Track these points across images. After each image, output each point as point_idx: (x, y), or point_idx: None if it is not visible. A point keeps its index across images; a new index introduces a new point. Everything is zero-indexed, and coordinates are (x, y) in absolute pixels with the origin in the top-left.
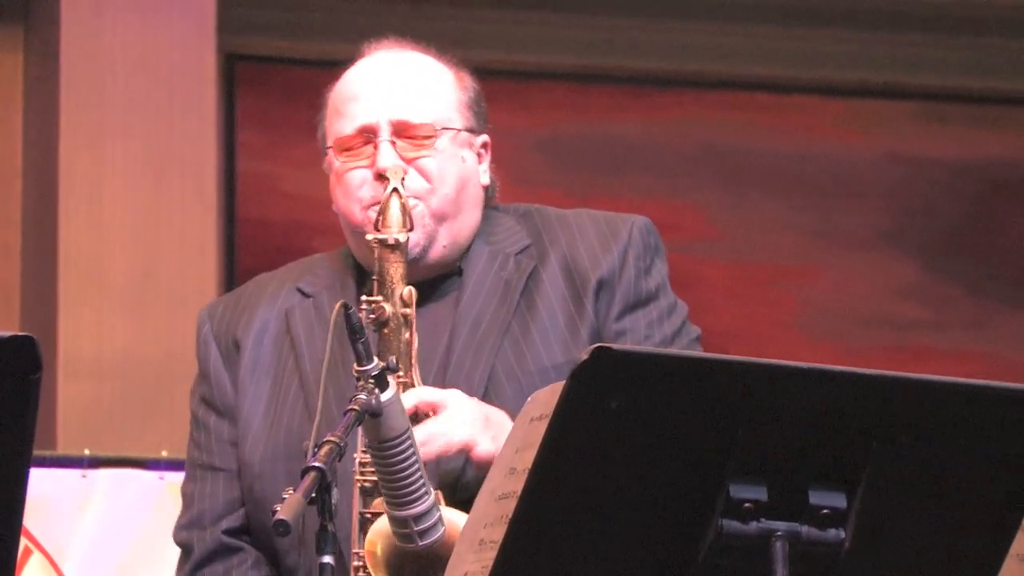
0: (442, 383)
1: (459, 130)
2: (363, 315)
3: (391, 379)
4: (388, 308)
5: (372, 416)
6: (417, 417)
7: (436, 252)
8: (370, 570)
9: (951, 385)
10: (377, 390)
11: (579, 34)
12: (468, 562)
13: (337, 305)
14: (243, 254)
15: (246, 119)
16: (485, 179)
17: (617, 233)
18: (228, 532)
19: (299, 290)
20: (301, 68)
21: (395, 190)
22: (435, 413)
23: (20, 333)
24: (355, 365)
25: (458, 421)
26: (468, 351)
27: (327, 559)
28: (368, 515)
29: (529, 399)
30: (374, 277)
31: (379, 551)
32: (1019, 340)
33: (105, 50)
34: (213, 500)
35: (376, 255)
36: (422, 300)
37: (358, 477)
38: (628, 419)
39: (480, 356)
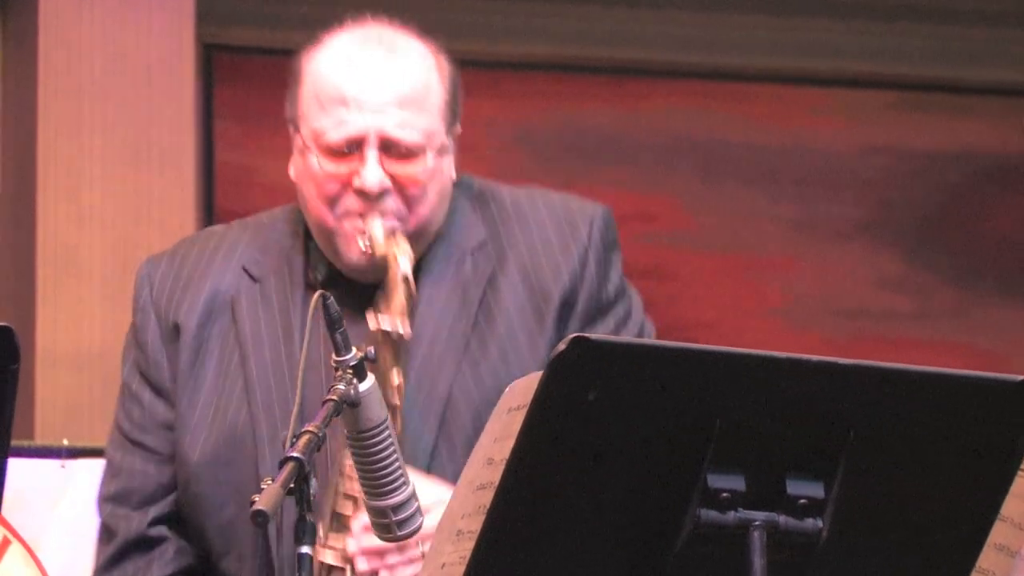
0: (397, 411)
1: (444, 140)
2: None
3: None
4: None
5: (350, 406)
6: None
7: (412, 261)
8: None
9: (928, 375)
10: (355, 380)
11: (555, 24)
12: (446, 553)
13: (316, 295)
14: None
15: (224, 109)
16: (454, 174)
17: (576, 231)
18: (154, 521)
19: (245, 270)
20: (280, 59)
21: (405, 278)
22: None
23: None
24: (333, 355)
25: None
26: (426, 376)
27: (306, 549)
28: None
29: (508, 389)
30: (371, 360)
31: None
32: (1000, 330)
33: (83, 40)
34: (144, 479)
35: (377, 339)
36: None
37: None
38: (606, 409)
39: (438, 381)
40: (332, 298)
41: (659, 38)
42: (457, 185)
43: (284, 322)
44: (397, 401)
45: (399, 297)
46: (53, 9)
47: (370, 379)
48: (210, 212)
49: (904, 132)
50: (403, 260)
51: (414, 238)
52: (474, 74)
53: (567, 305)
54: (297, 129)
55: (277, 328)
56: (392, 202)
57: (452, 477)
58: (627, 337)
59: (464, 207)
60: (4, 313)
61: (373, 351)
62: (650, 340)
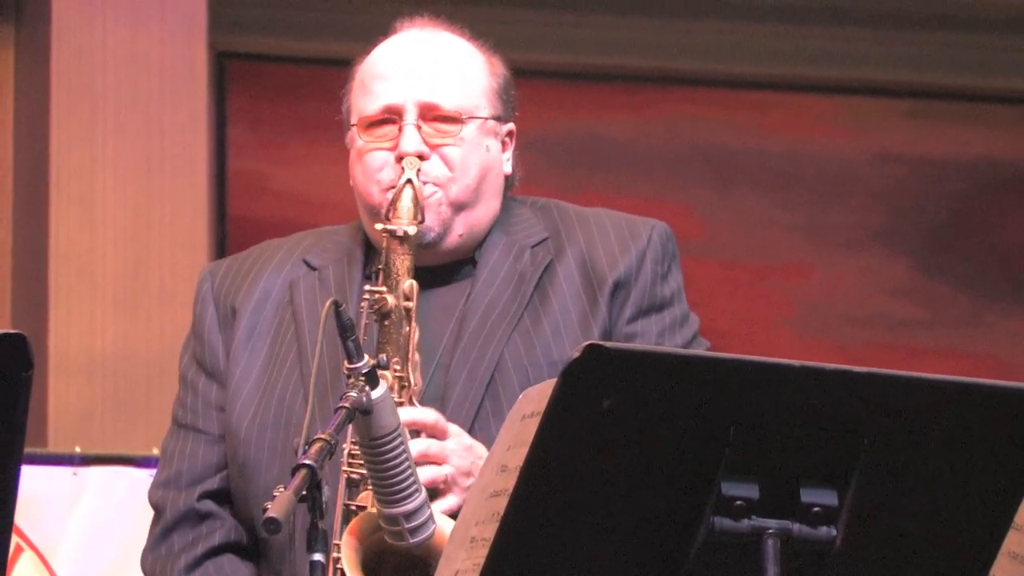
0: (448, 369)
1: (486, 118)
2: (365, 304)
3: (387, 374)
4: (391, 300)
5: (363, 413)
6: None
7: (452, 240)
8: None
9: (941, 383)
10: (368, 387)
11: (567, 32)
12: (459, 560)
13: (328, 302)
14: (234, 251)
15: (237, 117)
16: (508, 168)
17: (637, 235)
18: (202, 496)
19: (305, 262)
20: (292, 66)
21: (409, 181)
22: (426, 434)
23: (11, 331)
24: (345, 363)
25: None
26: (477, 338)
27: (317, 557)
28: (353, 507)
29: (521, 396)
30: (379, 267)
31: (359, 545)
32: (1010, 338)
33: (96, 47)
34: (192, 461)
35: (384, 244)
36: (434, 285)
37: (345, 469)
38: (620, 417)
39: (489, 344)
40: (344, 306)
41: (672, 47)
42: (522, 200)
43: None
44: (411, 304)
45: (404, 199)
46: (66, 17)
47: (382, 386)
48: (223, 219)
49: (917, 140)
50: (410, 170)
51: (457, 211)
52: None
53: (621, 287)
54: (349, 126)
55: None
56: (432, 167)
57: (494, 434)
58: (641, 345)
59: (525, 213)
60: (17, 320)
61: (388, 301)
62: (664, 348)
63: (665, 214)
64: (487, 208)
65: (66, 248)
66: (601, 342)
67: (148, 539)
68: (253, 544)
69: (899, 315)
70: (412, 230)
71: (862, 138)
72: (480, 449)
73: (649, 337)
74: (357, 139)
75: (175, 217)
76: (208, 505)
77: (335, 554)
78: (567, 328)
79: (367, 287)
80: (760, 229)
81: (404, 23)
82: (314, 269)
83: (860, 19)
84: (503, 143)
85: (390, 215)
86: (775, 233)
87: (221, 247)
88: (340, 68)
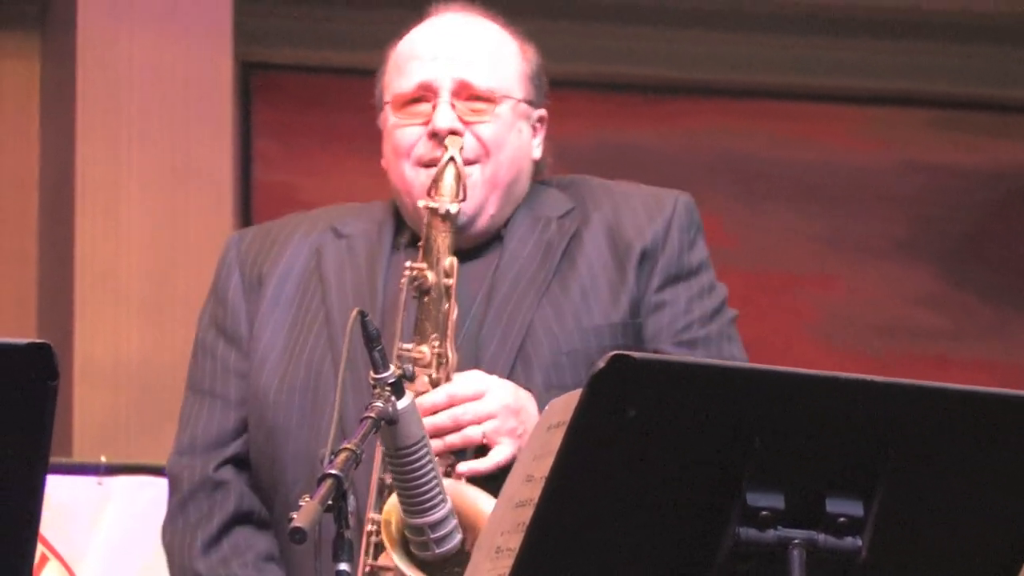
0: (478, 336)
1: (519, 100)
2: (406, 279)
3: (425, 349)
4: (431, 276)
5: (388, 423)
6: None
7: (483, 221)
8: (383, 538)
9: (967, 393)
10: (393, 397)
11: (594, 42)
12: (485, 570)
13: (353, 312)
14: None
15: (262, 128)
16: (537, 153)
17: (662, 205)
18: (219, 464)
19: (334, 229)
20: (317, 77)
21: (452, 159)
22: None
23: (37, 340)
24: (371, 373)
25: (493, 410)
26: (506, 305)
27: (344, 567)
28: (388, 481)
29: (547, 406)
30: (420, 244)
31: (394, 523)
32: None
33: (122, 58)
34: (208, 426)
35: (426, 221)
36: (462, 260)
37: (381, 475)
38: (645, 427)
39: (518, 311)
40: (369, 315)
41: (697, 57)
42: (547, 181)
43: (369, 272)
44: (451, 281)
45: (447, 178)
46: (92, 29)
47: (408, 396)
48: None
49: (941, 150)
50: (453, 147)
51: (491, 188)
52: None
53: (648, 257)
54: (382, 108)
55: (361, 274)
56: (467, 142)
57: None
58: (667, 355)
59: (552, 191)
60: (42, 329)
61: (429, 278)
62: (689, 358)
63: None
64: (517, 189)
65: (91, 258)
66: (627, 352)
67: (166, 511)
68: (270, 512)
69: (924, 325)
70: (454, 208)
71: (888, 148)
72: (524, 396)
73: (678, 304)
74: (390, 117)
75: (200, 228)
76: (224, 474)
77: (369, 527)
78: (595, 294)
79: (408, 263)
80: (786, 239)
81: (438, 8)
82: (342, 237)
83: (886, 30)
84: (534, 128)
85: (432, 192)
86: (801, 243)
87: None
88: (366, 78)
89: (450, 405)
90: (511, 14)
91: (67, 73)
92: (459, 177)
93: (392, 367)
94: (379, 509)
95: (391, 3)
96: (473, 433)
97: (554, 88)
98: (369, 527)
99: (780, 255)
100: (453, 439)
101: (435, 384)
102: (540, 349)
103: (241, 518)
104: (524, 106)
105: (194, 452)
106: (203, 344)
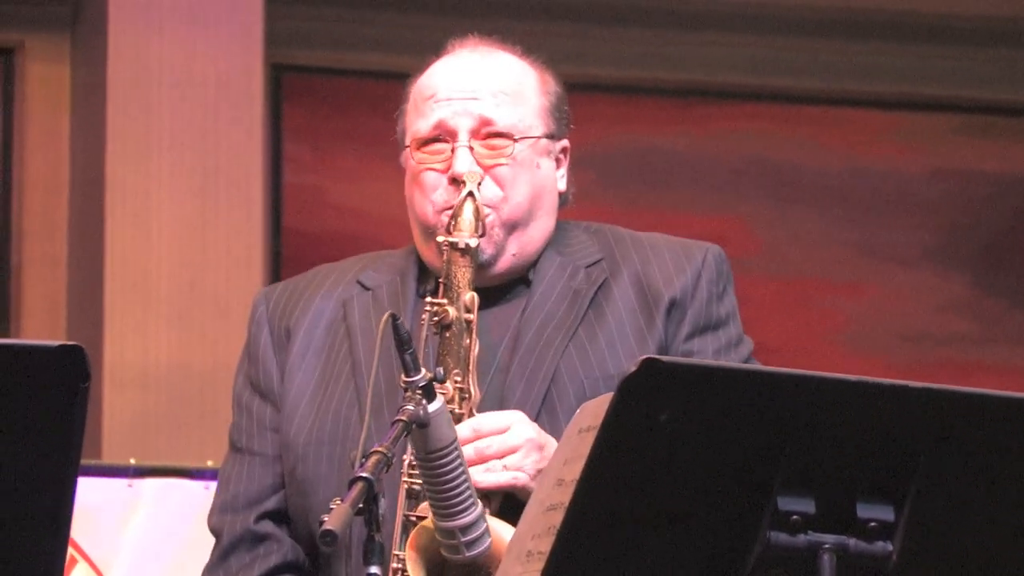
0: (504, 382)
1: (538, 138)
2: (426, 316)
3: (448, 385)
4: (452, 312)
5: (419, 427)
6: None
7: (505, 262)
8: (410, 574)
9: (999, 399)
10: (424, 401)
11: (625, 47)
12: (515, 574)
13: (385, 315)
14: (289, 266)
15: (293, 131)
16: (562, 185)
17: (692, 256)
18: (259, 518)
19: (359, 282)
20: (348, 80)
21: (470, 194)
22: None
23: (68, 342)
24: (402, 376)
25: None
26: (533, 350)
27: (375, 570)
28: (413, 518)
29: (579, 410)
30: (441, 280)
31: (420, 557)
32: None
33: (152, 61)
34: (248, 484)
35: (445, 257)
36: (489, 303)
37: (405, 479)
38: (677, 431)
39: (544, 356)
40: (400, 319)
41: (726, 61)
42: (575, 224)
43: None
44: (472, 316)
45: (466, 212)
46: (123, 32)
47: (439, 400)
48: (278, 233)
49: (971, 156)
50: (471, 183)
51: (510, 232)
52: None
53: (677, 307)
54: (403, 147)
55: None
56: (484, 188)
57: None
58: (698, 360)
59: (579, 235)
60: (72, 332)
61: (450, 313)
62: (720, 362)
63: (721, 229)
64: (540, 227)
65: (121, 261)
66: (658, 356)
67: (207, 564)
68: (313, 563)
69: (954, 331)
70: (473, 242)
71: (918, 153)
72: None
73: (706, 355)
74: (411, 159)
75: (230, 231)
76: (266, 526)
77: (394, 565)
78: (623, 342)
79: (428, 299)
80: (816, 245)
81: (456, 43)
82: (368, 289)
83: (917, 35)
84: (556, 160)
85: (451, 228)
86: (831, 249)
87: (276, 261)
88: (396, 81)
89: (476, 439)
90: (546, 19)
91: (98, 76)
92: (477, 212)
93: (423, 370)
94: (403, 545)
95: (421, 7)
96: (502, 477)
97: (582, 92)
98: (395, 564)
99: (810, 261)
100: (482, 480)
101: (458, 419)
102: (565, 396)
103: (285, 568)
104: (544, 141)
105: (236, 509)
106: (239, 402)
